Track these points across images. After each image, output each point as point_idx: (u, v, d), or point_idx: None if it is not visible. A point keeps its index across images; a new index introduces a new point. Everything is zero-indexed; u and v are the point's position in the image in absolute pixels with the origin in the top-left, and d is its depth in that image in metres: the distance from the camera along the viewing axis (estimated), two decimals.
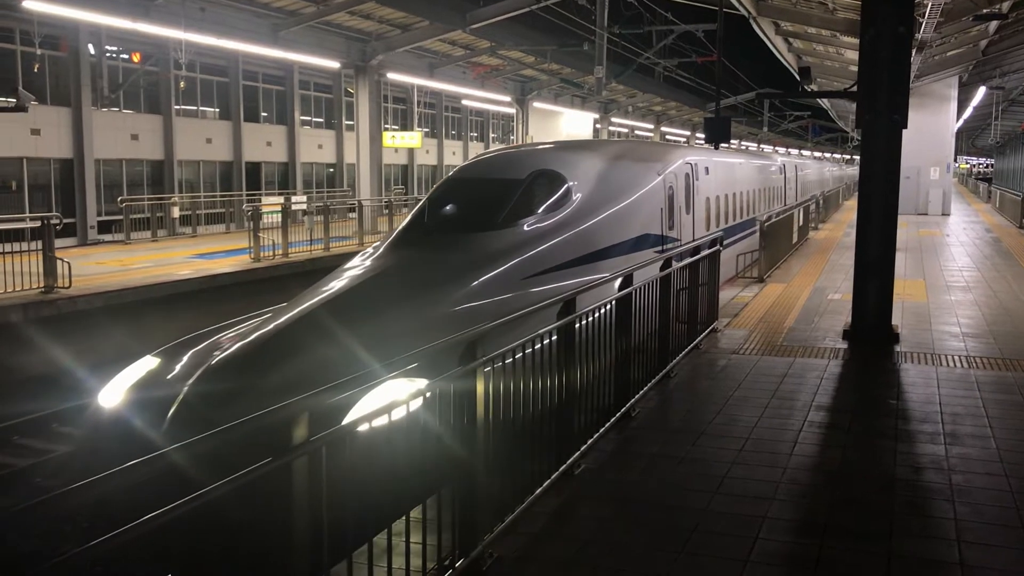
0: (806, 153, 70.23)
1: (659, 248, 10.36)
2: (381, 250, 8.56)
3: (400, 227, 9.22)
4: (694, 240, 11.10)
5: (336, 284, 7.69)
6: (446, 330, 4.44)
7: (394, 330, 6.69)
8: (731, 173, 16.88)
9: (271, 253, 17.33)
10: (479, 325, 4.25)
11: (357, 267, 8.21)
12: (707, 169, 14.04)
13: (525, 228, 8.65)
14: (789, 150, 67.93)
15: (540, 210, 8.99)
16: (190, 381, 6.03)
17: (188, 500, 2.50)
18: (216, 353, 6.47)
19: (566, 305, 5.20)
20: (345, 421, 3.33)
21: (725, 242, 10.89)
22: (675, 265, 7.54)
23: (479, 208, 9.06)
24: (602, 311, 5.80)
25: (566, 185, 9.38)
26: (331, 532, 3.18)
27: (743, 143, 60.20)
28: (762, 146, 64.81)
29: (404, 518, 4.16)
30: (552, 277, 8.17)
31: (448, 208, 9.33)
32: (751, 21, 20.10)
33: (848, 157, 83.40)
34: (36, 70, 21.83)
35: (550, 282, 8.03)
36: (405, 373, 3.69)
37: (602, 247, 9.10)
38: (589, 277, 7.40)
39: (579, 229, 8.98)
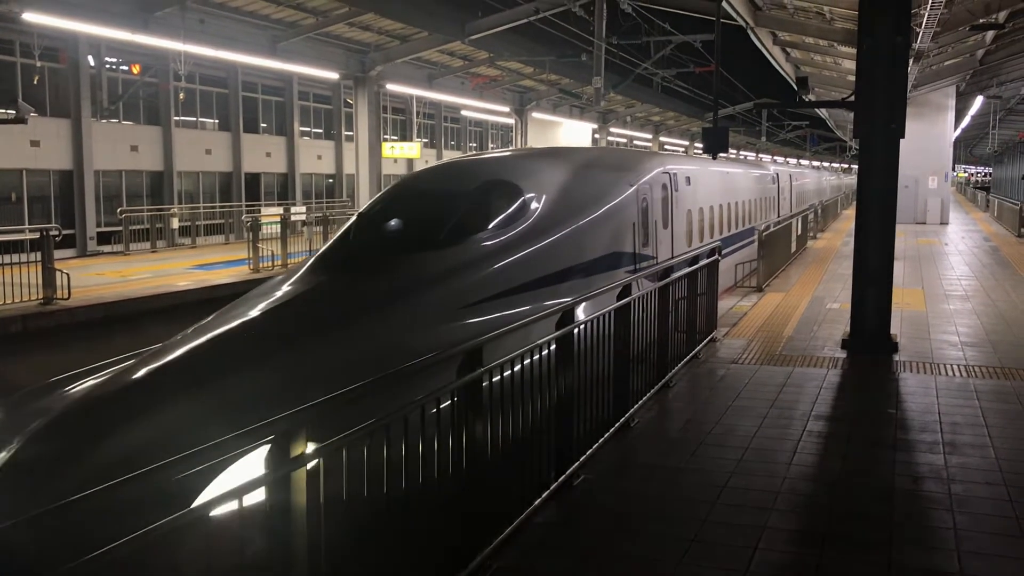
0: (804, 163, 70.27)
1: (631, 268, 9.39)
2: (298, 274, 7.38)
3: (324, 247, 8.17)
4: (673, 257, 10.44)
5: (228, 318, 6.36)
6: (348, 378, 3.61)
7: (279, 381, 5.37)
8: (717, 183, 15.97)
9: (270, 264, 17.35)
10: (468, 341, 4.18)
11: (260, 296, 6.92)
12: (688, 179, 12.98)
13: (468, 248, 7.46)
14: (788, 159, 67.98)
15: (488, 227, 7.82)
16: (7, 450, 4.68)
17: None
18: (55, 408, 5.21)
19: (564, 316, 5.21)
20: (197, 503, 2.65)
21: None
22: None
23: (416, 225, 7.99)
24: (600, 322, 5.80)
25: (521, 198, 8.31)
26: (327, 548, 3.18)
27: (741, 152, 60.29)
28: (760, 156, 64.85)
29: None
30: (498, 305, 6.98)
31: (380, 225, 8.18)
32: (749, 31, 20.14)
33: (846, 166, 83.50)
34: (36, 82, 21.88)
35: (496, 310, 6.85)
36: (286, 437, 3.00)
37: (562, 268, 8.02)
38: (545, 303, 6.72)
39: (534, 248, 7.84)
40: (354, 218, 8.55)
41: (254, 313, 6.39)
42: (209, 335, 5.96)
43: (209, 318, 6.61)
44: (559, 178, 9.09)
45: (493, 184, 8.52)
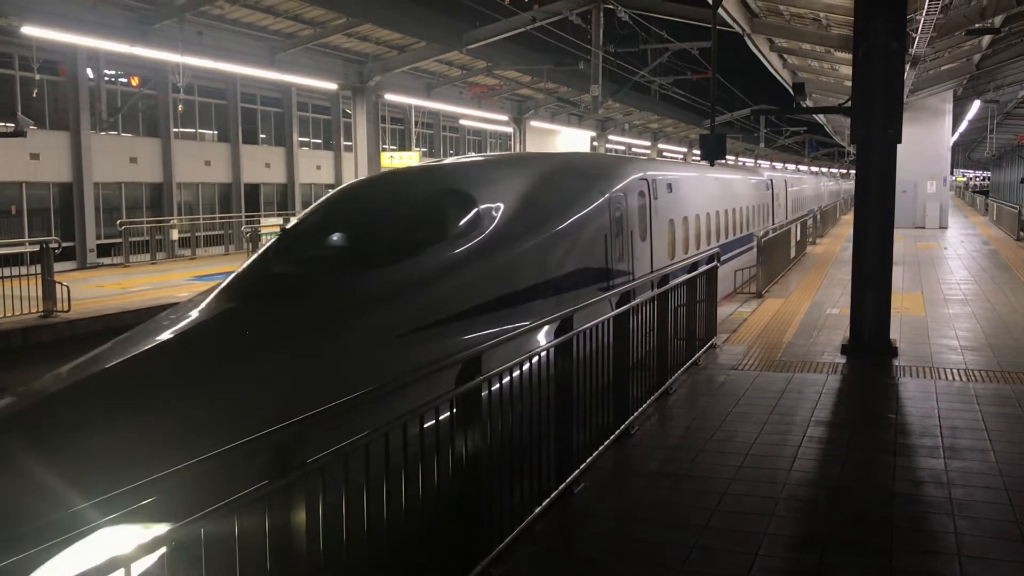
0: (803, 168, 70.29)
1: (603, 285, 8.53)
2: (206, 301, 6.16)
3: (240, 268, 6.95)
4: (652, 272, 9.47)
5: (105, 358, 5.20)
6: (235, 431, 3.18)
7: (135, 442, 4.21)
8: (703, 190, 14.91)
9: None
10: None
11: (151, 330, 5.71)
12: (670, 186, 12.04)
13: (405, 270, 6.37)
14: (786, 165, 68.06)
15: (432, 244, 6.77)
16: None
17: None
18: None
19: (564, 324, 5.22)
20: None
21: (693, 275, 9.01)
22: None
23: (348, 242, 7.02)
24: (599, 330, 5.81)
25: (473, 210, 7.31)
26: (328, 557, 3.18)
27: (740, 159, 60.37)
28: (758, 161, 64.93)
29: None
30: (443, 331, 6.04)
31: (307, 241, 7.10)
32: (745, 38, 20.20)
33: (843, 171, 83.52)
34: (35, 95, 21.94)
35: (441, 337, 5.94)
36: (130, 516, 2.56)
37: (521, 288, 7.09)
38: (501, 327, 6.08)
39: (487, 267, 6.87)
40: (277, 234, 7.54)
41: (150, 346, 5.22)
42: (70, 380, 4.91)
43: (97, 350, 5.49)
44: (520, 187, 8.16)
45: (440, 194, 7.56)
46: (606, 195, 9.20)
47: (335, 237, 7.11)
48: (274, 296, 6.08)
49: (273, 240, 7.31)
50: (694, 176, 14.75)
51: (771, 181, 24.34)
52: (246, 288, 6.37)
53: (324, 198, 8.11)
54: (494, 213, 7.49)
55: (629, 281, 8.69)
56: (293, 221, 7.90)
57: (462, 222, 7.18)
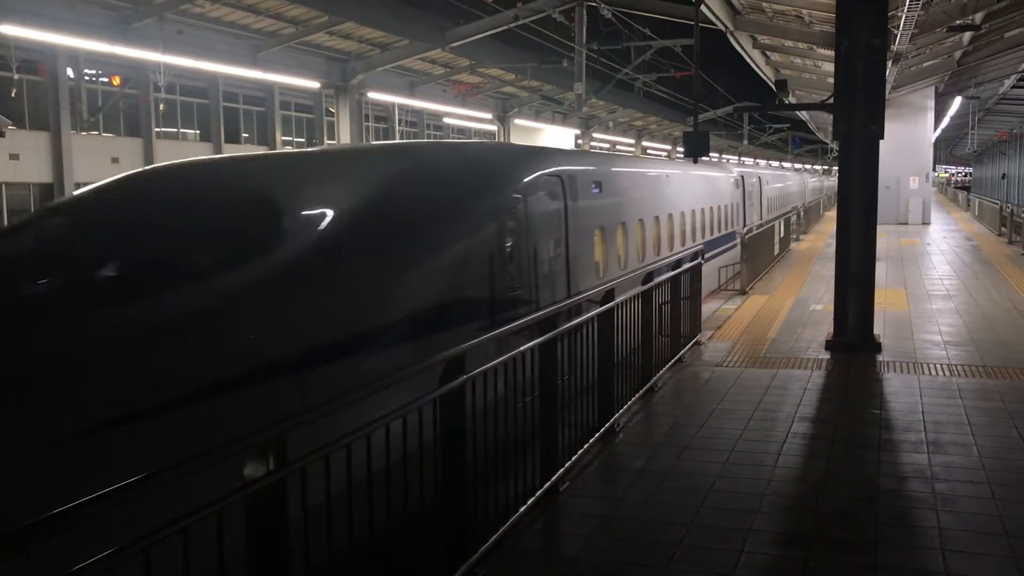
0: (787, 165, 70.59)
1: (486, 322, 6.45)
2: None
3: None
4: (571, 297, 7.38)
5: None
6: None
7: None
8: (648, 189, 12.60)
9: None
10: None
11: None
12: (599, 185, 9.85)
13: (172, 300, 4.49)
14: (770, 162, 68.34)
15: (215, 267, 4.86)
16: None
17: None
18: None
19: (547, 323, 5.20)
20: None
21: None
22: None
23: (87, 264, 4.99)
24: (583, 329, 5.79)
25: (280, 221, 5.35)
26: (311, 558, 3.15)
27: (723, 156, 60.55)
28: (742, 158, 65.11)
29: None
30: (199, 407, 4.08)
31: (29, 262, 5.22)
32: (728, 36, 20.24)
33: (824, 168, 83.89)
34: (14, 95, 21.74)
35: (203, 416, 4.05)
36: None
37: (351, 333, 5.09)
38: (296, 393, 4.55)
39: (288, 305, 4.85)
40: None
41: None
42: None
43: None
44: (360, 190, 6.09)
45: (236, 200, 5.68)
46: (497, 197, 7.14)
47: (65, 255, 5.21)
48: None
49: None
50: (635, 173, 12.28)
51: (742, 178, 22.10)
52: None
53: (82, 191, 6.29)
54: (319, 228, 5.46)
55: (532, 312, 6.16)
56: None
57: (260, 239, 5.13)
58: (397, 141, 11.20)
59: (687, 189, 15.46)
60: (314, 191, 5.95)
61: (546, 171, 8.24)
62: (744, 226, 20.59)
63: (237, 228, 5.32)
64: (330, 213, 5.62)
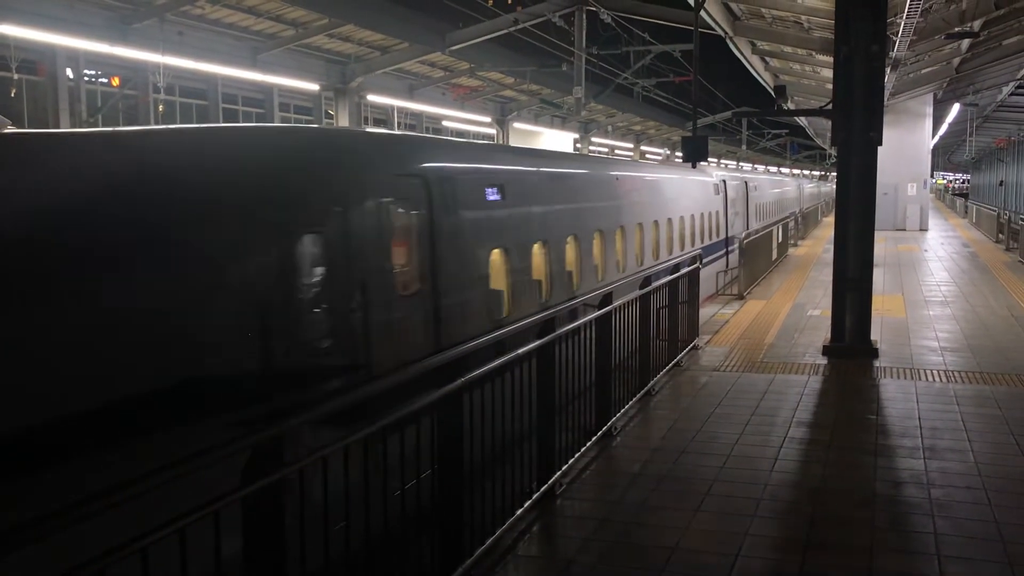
0: (784, 170, 70.60)
1: (244, 414, 4.28)
2: None
3: None
4: (441, 353, 4.72)
5: None
6: None
7: None
8: (585, 194, 10.09)
9: None
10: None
11: None
12: (500, 188, 7.35)
13: None
14: (769, 168, 68.30)
15: None
16: None
17: None
18: None
19: (544, 326, 5.21)
20: None
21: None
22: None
23: None
24: (581, 332, 5.80)
25: None
26: (307, 559, 3.15)
27: (722, 161, 60.59)
28: (740, 164, 65.12)
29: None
30: None
31: None
32: (728, 41, 20.28)
33: (821, 173, 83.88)
34: (13, 95, 21.72)
35: None
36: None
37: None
38: None
39: None
40: None
41: None
42: None
43: None
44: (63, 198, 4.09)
45: None
46: (269, 215, 4.76)
47: None
48: None
49: None
50: (564, 174, 9.72)
51: (724, 183, 19.54)
52: None
53: None
54: None
55: (365, 383, 4.14)
56: None
57: None
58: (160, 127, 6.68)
59: (647, 195, 12.81)
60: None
61: (394, 171, 5.94)
62: (724, 236, 18.88)
63: None
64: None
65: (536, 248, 8.19)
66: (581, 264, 9.37)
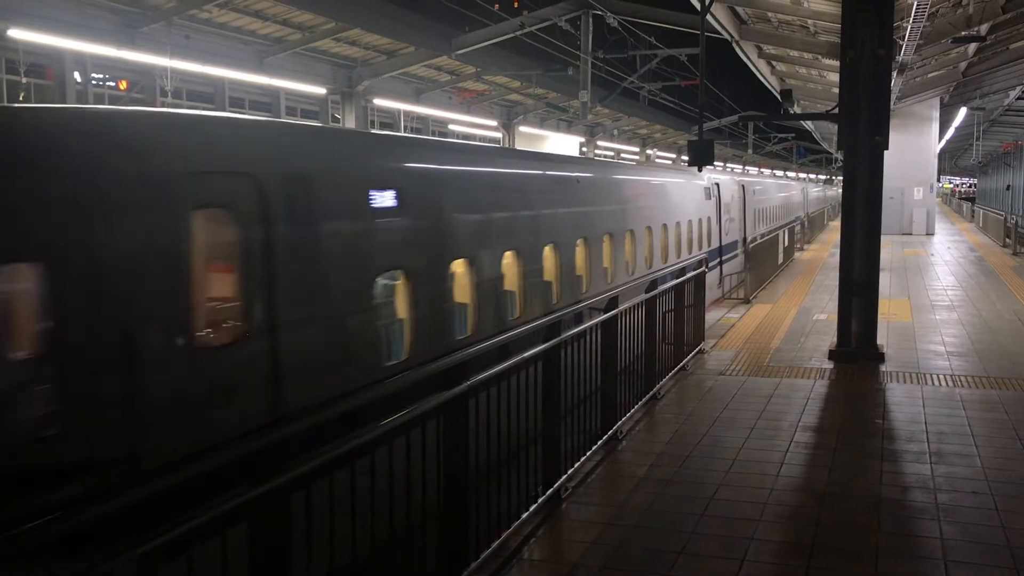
0: (791, 174, 70.47)
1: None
2: None
3: None
4: (278, 416, 4.48)
5: None
6: None
7: None
8: (527, 199, 8.20)
9: None
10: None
11: None
12: (398, 192, 5.87)
13: None
14: (775, 172, 68.17)
15: None
16: None
17: None
18: None
19: (549, 330, 5.22)
20: None
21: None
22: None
23: None
24: (587, 336, 5.80)
25: None
26: (312, 564, 3.16)
27: (727, 165, 60.53)
28: (746, 167, 65.03)
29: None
30: None
31: None
32: (734, 45, 20.27)
33: (826, 177, 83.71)
34: (21, 99, 21.80)
35: None
36: None
37: None
38: None
39: None
40: None
41: None
42: None
43: None
44: None
45: None
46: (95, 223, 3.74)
47: None
48: None
49: None
50: (496, 174, 7.98)
51: (717, 187, 17.81)
52: None
53: None
54: None
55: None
56: None
57: None
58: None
59: (616, 200, 10.88)
60: None
61: (192, 167, 4.27)
62: (719, 244, 17.46)
63: None
64: None
65: (454, 269, 6.51)
66: (524, 287, 7.72)
